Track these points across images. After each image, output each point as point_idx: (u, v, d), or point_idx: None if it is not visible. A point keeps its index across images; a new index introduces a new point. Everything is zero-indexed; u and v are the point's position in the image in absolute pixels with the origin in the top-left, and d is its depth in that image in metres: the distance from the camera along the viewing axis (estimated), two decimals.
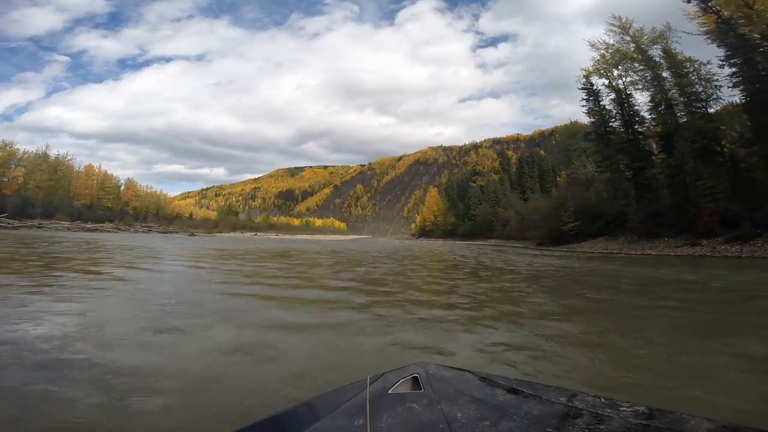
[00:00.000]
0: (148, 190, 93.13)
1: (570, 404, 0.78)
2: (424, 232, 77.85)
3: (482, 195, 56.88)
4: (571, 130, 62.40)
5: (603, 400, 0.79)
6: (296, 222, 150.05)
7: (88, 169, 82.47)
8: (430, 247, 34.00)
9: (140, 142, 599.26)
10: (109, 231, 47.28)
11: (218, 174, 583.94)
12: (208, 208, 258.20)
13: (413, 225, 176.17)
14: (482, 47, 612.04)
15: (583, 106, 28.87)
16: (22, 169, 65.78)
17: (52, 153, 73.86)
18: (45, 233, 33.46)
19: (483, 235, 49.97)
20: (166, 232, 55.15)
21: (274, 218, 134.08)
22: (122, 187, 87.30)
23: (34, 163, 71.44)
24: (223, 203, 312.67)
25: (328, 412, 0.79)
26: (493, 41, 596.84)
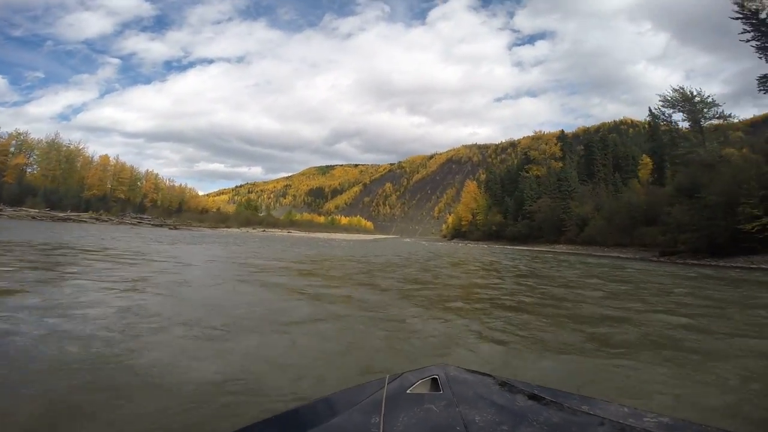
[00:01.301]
0: (171, 184, 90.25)
1: (591, 413, 0.75)
2: (458, 233, 65.69)
3: (539, 187, 45.25)
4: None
5: (626, 409, 0.76)
6: (321, 219, 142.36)
7: (103, 159, 79.59)
8: (476, 254, 23.25)
9: (184, 141, 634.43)
10: (86, 221, 40.21)
11: (255, 172, 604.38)
12: (240, 204, 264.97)
13: (444, 225, 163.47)
14: (518, 45, 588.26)
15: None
16: (23, 157, 61.86)
17: (65, 141, 70.81)
18: None
19: (545, 239, 38.47)
20: (162, 225, 47.75)
21: (298, 215, 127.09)
22: (143, 180, 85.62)
23: (45, 151, 68.38)
24: (255, 199, 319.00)
25: (345, 409, 0.79)
26: (530, 39, 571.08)
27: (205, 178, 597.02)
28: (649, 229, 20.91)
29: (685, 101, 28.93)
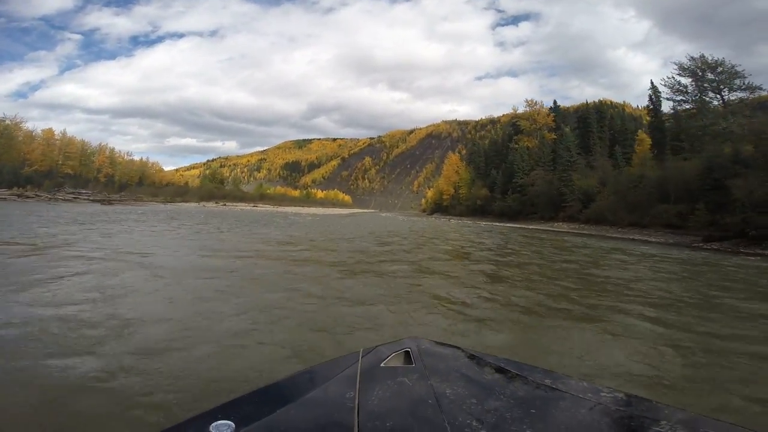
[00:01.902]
0: (130, 158, 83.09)
1: (554, 387, 0.79)
2: (439, 208, 61.58)
3: (531, 159, 41.12)
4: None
5: (585, 384, 0.81)
6: (295, 193, 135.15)
7: (46, 133, 71.77)
8: (459, 232, 19.33)
9: (153, 116, 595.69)
10: (5, 199, 33.27)
11: (230, 147, 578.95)
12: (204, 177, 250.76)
13: (423, 200, 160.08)
14: (502, 25, 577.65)
15: None
16: None
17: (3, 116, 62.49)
18: None
19: (539, 216, 34.15)
20: (104, 201, 41.05)
21: (270, 189, 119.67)
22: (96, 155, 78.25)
23: None
24: (228, 174, 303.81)
25: (320, 384, 0.80)
26: (514, 20, 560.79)
27: (176, 154, 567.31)
28: (674, 207, 17.22)
29: (705, 69, 25.27)
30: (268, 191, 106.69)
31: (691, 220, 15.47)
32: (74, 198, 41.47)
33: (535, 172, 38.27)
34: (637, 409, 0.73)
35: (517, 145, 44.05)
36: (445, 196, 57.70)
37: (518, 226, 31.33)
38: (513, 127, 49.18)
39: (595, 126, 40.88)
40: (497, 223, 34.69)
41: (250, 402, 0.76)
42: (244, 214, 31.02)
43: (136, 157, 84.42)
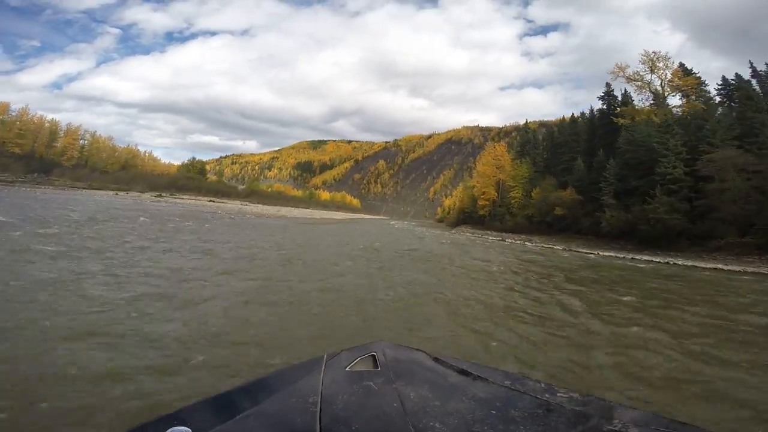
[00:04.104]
0: (111, 143, 72.41)
1: (513, 388, 0.81)
2: (469, 218, 44.50)
3: (698, 135, 22.29)
4: None
5: (543, 385, 0.84)
6: (296, 193, 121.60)
7: None
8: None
9: (179, 112, 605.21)
10: None
11: (250, 146, 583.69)
12: (221, 175, 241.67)
13: (440, 209, 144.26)
14: (530, 35, 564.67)
15: None
16: None
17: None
18: None
19: (733, 246, 17.12)
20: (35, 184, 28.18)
21: (266, 186, 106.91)
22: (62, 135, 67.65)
23: None
24: (237, 171, 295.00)
25: (282, 389, 0.78)
26: (543, 30, 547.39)
27: (198, 151, 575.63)
28: None
29: None
30: (261, 188, 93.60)
31: None
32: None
33: (720, 152, 19.76)
34: (591, 408, 0.75)
35: (624, 121, 27.40)
36: (481, 202, 39.50)
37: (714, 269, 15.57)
38: (607, 98, 33.35)
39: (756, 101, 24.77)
40: (654, 259, 17.84)
41: (208, 408, 0.73)
42: (200, 214, 17.62)
43: (108, 140, 72.97)
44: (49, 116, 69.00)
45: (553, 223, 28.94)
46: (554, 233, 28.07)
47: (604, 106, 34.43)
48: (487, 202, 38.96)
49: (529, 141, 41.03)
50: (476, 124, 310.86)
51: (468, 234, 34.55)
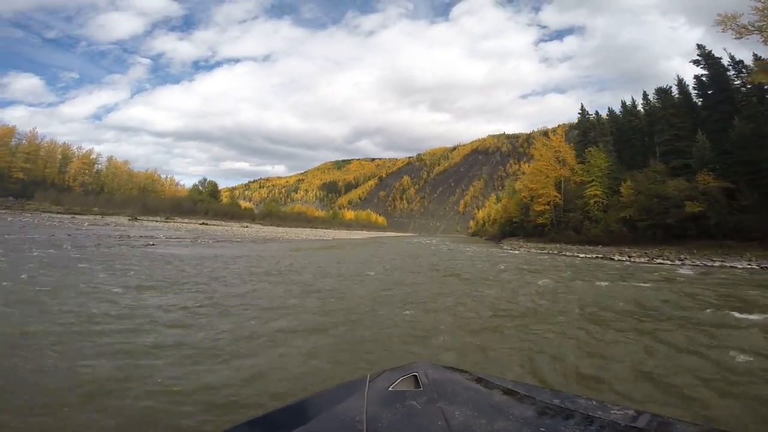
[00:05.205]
0: (128, 169, 70.69)
1: (562, 405, 0.78)
2: (518, 229, 37.31)
3: None
4: None
5: (594, 402, 0.79)
6: (318, 213, 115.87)
7: (2, 130, 57.89)
8: None
9: (210, 140, 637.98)
10: None
11: (279, 170, 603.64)
12: (250, 199, 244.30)
13: (472, 221, 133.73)
14: (546, 41, 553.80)
15: None
16: None
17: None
18: None
19: None
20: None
21: (289, 208, 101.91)
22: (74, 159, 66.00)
23: None
24: (265, 195, 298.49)
25: (328, 408, 0.79)
26: (558, 35, 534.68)
27: (231, 177, 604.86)
28: None
29: None
30: (283, 210, 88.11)
31: None
32: None
33: None
34: (648, 425, 0.71)
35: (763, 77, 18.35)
36: (537, 207, 30.43)
37: None
38: (705, 60, 24.03)
39: None
40: None
41: (256, 428, 0.75)
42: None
43: (125, 165, 70.54)
44: (87, 145, 66.96)
45: (674, 227, 19.48)
46: (681, 242, 18.67)
47: (704, 73, 25.35)
48: (547, 207, 29.62)
49: (594, 126, 31.57)
50: (502, 132, 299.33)
51: (527, 249, 25.36)
